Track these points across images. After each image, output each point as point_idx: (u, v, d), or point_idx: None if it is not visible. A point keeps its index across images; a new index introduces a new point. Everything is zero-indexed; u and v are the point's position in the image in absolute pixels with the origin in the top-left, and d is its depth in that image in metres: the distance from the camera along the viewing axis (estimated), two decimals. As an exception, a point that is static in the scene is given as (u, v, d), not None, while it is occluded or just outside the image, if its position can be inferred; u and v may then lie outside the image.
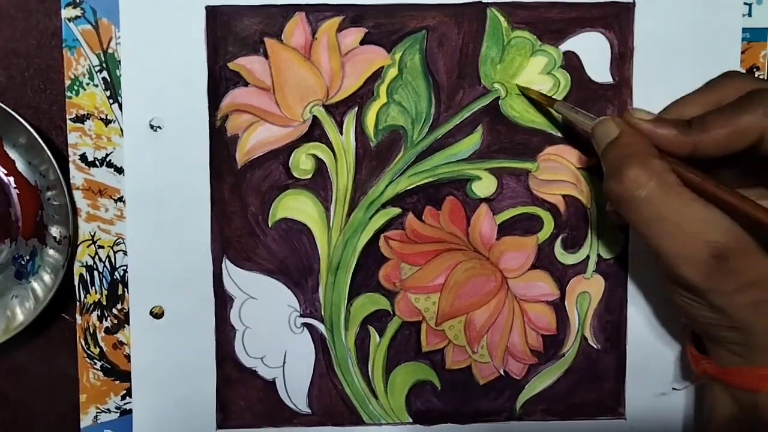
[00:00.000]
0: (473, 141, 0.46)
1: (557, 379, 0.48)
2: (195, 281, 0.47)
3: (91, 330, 0.47)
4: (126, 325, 0.47)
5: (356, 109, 0.46)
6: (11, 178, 0.46)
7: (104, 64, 0.45)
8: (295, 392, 0.48)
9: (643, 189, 0.36)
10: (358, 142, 0.46)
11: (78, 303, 0.47)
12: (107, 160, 0.46)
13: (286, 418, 0.48)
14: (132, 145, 0.45)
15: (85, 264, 0.46)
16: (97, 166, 0.46)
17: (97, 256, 0.46)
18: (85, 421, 0.48)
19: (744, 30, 0.46)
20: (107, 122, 0.46)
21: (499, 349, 0.48)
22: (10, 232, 0.47)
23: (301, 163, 0.46)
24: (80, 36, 0.45)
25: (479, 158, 0.46)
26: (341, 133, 0.46)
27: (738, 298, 0.37)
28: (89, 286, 0.47)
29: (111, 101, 0.45)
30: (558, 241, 0.47)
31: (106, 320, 0.47)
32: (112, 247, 0.46)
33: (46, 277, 0.46)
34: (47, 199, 0.46)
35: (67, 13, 0.45)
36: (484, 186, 0.47)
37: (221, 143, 0.46)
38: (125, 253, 0.46)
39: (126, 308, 0.47)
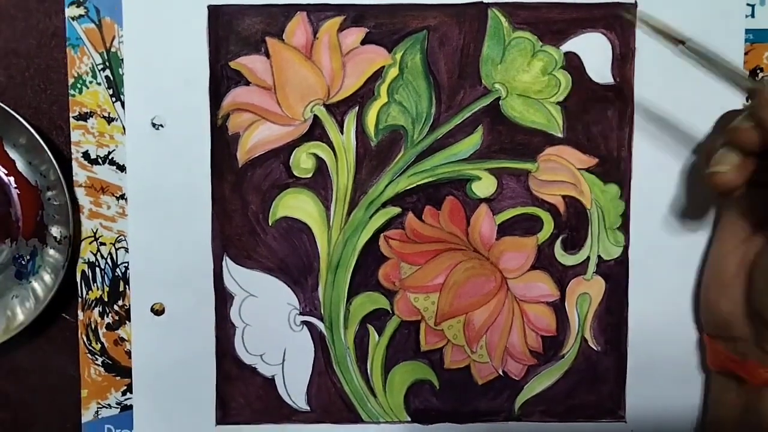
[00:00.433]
0: (473, 141, 0.46)
1: (556, 381, 0.48)
2: (195, 279, 0.47)
3: (93, 326, 0.47)
4: (127, 322, 0.47)
5: (357, 108, 0.46)
6: (11, 178, 0.47)
7: (107, 63, 0.46)
8: (294, 390, 0.48)
9: None
10: (358, 141, 0.46)
11: (80, 299, 0.47)
12: (110, 157, 0.46)
13: (285, 415, 0.48)
14: (134, 143, 0.46)
15: (87, 261, 0.47)
16: (99, 164, 0.46)
17: (99, 253, 0.47)
18: (86, 416, 0.48)
19: (747, 31, 0.46)
20: (110, 120, 0.46)
21: (498, 350, 0.48)
22: (10, 232, 0.47)
23: (302, 162, 0.46)
24: (83, 35, 0.45)
25: (479, 158, 0.46)
26: (342, 133, 0.46)
27: None
28: (91, 282, 0.47)
29: (113, 99, 0.46)
30: (558, 242, 0.47)
31: (107, 316, 0.47)
32: (113, 244, 0.47)
33: (47, 277, 0.47)
34: (47, 199, 0.47)
35: (70, 11, 0.45)
36: (484, 186, 0.47)
37: (222, 142, 0.46)
38: (127, 250, 0.47)
39: (127, 305, 0.47)
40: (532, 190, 0.47)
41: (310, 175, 0.47)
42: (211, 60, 0.46)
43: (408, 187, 0.47)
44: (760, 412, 0.42)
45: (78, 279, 0.47)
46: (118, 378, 0.48)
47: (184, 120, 0.46)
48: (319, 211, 0.47)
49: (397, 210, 0.47)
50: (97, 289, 0.47)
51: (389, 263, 0.47)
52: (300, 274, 0.47)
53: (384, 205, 0.47)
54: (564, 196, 0.47)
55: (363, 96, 0.46)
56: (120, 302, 0.47)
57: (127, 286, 0.47)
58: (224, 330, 0.47)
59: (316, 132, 0.46)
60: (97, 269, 0.47)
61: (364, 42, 0.46)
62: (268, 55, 0.46)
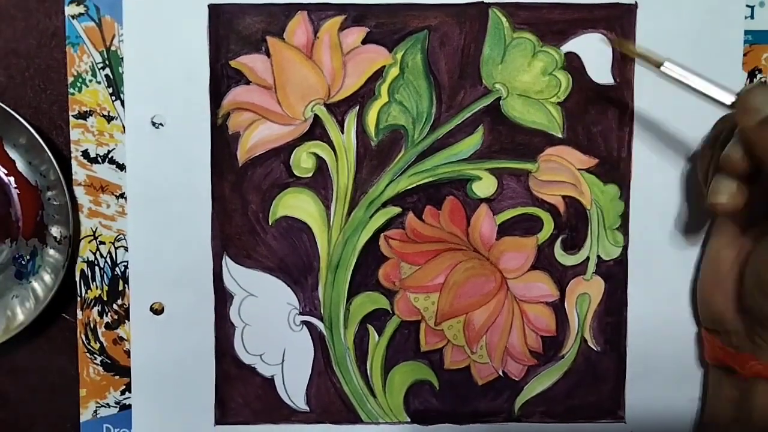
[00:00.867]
0: (474, 141, 0.46)
1: (556, 381, 0.48)
2: (195, 278, 0.47)
3: (92, 325, 0.47)
4: (126, 321, 0.47)
5: (357, 108, 0.46)
6: (11, 178, 0.47)
7: (107, 62, 0.46)
8: (294, 390, 0.48)
9: None
10: (359, 141, 0.46)
11: (79, 298, 0.47)
12: (109, 156, 0.46)
13: (284, 415, 0.48)
14: (134, 141, 0.46)
15: (86, 260, 0.47)
16: (99, 163, 0.46)
17: (98, 252, 0.47)
18: (85, 415, 0.48)
19: (746, 32, 0.46)
20: (109, 119, 0.46)
21: (498, 350, 0.48)
22: (10, 232, 0.47)
23: (302, 161, 0.46)
24: (83, 33, 0.45)
25: (480, 158, 0.46)
26: (342, 132, 0.46)
27: None
28: (90, 281, 0.47)
29: (113, 98, 0.46)
30: (558, 242, 0.47)
31: (106, 316, 0.47)
32: (113, 243, 0.47)
33: (47, 277, 0.47)
34: (47, 199, 0.47)
35: (70, 10, 0.45)
36: (485, 186, 0.47)
37: (222, 141, 0.46)
38: (126, 249, 0.47)
39: (126, 304, 0.47)
40: (533, 191, 0.47)
41: (310, 175, 0.47)
42: (211, 59, 0.46)
43: (408, 187, 0.47)
44: (751, 404, 0.42)
45: (77, 278, 0.47)
46: (116, 377, 0.48)
47: (184, 119, 0.46)
48: (319, 210, 0.47)
49: (397, 210, 0.47)
50: (97, 288, 0.47)
51: (389, 263, 0.47)
52: (300, 273, 0.47)
53: (384, 204, 0.47)
54: (564, 197, 0.47)
55: (363, 96, 0.46)
56: (119, 301, 0.47)
57: (126, 286, 0.47)
58: (224, 329, 0.47)
59: (316, 131, 0.46)
60: (97, 268, 0.47)
61: (364, 41, 0.46)
62: (268, 55, 0.46)
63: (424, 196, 0.47)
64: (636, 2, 0.45)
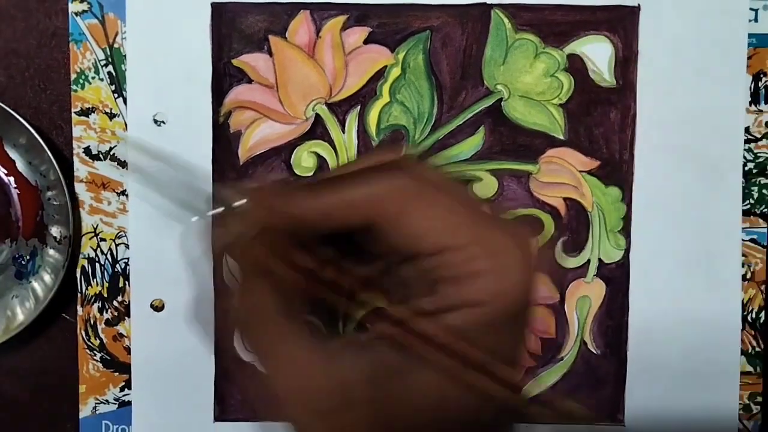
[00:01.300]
0: (475, 142, 0.46)
1: (555, 383, 0.48)
2: (195, 275, 0.47)
3: (92, 322, 0.48)
4: (126, 318, 0.47)
5: (359, 107, 0.46)
6: (11, 178, 0.47)
7: (110, 59, 0.46)
8: (292, 388, 0.48)
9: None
10: (360, 140, 0.46)
11: (79, 294, 0.47)
12: (111, 153, 0.46)
13: (283, 413, 0.48)
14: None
15: (87, 256, 0.47)
16: (100, 160, 0.46)
17: (99, 249, 0.47)
18: (84, 412, 0.48)
19: (750, 35, 0.45)
20: (112, 116, 0.46)
21: (497, 351, 0.48)
22: (10, 232, 0.47)
23: (303, 160, 0.46)
24: (86, 30, 0.45)
25: (480, 159, 0.46)
26: (343, 132, 0.46)
27: None
28: (91, 278, 0.47)
29: (116, 95, 0.46)
30: (558, 244, 0.47)
31: (106, 312, 0.47)
32: (114, 240, 0.47)
33: (47, 277, 0.47)
34: (47, 199, 0.47)
35: (74, 7, 0.45)
36: (485, 187, 0.47)
37: (224, 139, 0.46)
38: (127, 246, 0.47)
39: (127, 301, 0.47)
40: (533, 192, 0.47)
41: (311, 174, 0.47)
42: (213, 57, 0.46)
43: (409, 187, 0.47)
44: None
45: (78, 275, 0.47)
46: (116, 374, 0.48)
47: (185, 117, 0.46)
48: (320, 209, 0.47)
49: (397, 210, 0.47)
50: (97, 284, 0.47)
51: (389, 263, 0.47)
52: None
53: (384, 204, 0.47)
54: (565, 199, 0.47)
55: (365, 95, 0.46)
56: (119, 298, 0.47)
57: (126, 282, 0.47)
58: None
59: (317, 131, 0.46)
60: (97, 265, 0.47)
61: (366, 41, 0.46)
62: (270, 53, 0.46)
63: (425, 196, 0.47)
64: (639, 4, 0.45)
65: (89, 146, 0.46)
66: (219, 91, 0.46)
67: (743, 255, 0.47)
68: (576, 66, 0.46)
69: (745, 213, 0.47)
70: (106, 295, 0.47)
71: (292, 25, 0.46)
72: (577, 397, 0.48)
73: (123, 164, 0.46)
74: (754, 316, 0.47)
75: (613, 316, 0.48)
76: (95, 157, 0.46)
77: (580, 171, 0.46)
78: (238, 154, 0.46)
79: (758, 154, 0.47)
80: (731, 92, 0.46)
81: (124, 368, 0.48)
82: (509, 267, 0.28)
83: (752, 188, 0.47)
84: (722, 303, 0.47)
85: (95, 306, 0.47)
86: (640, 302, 0.47)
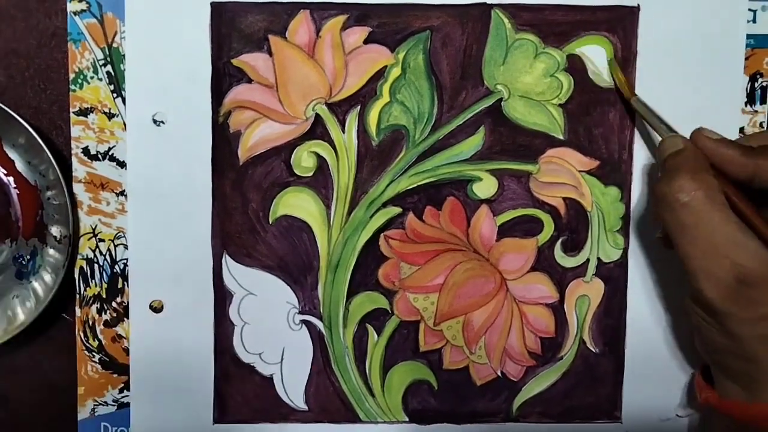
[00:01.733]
0: (475, 142, 0.46)
1: (554, 382, 0.48)
2: (195, 276, 0.47)
3: (90, 323, 0.47)
4: (125, 319, 0.47)
5: (359, 107, 0.46)
6: (11, 178, 0.47)
7: (108, 58, 0.45)
8: (293, 389, 0.48)
9: (687, 195, 0.37)
10: (359, 140, 0.46)
11: (78, 296, 0.47)
12: (110, 153, 0.46)
13: (283, 414, 0.48)
14: (135, 139, 0.46)
15: (85, 257, 0.47)
16: (99, 160, 0.46)
17: (97, 250, 0.47)
18: (83, 413, 0.48)
19: (748, 36, 0.46)
20: (110, 116, 0.46)
21: (497, 351, 0.48)
22: (10, 232, 0.47)
23: (303, 160, 0.46)
24: (85, 30, 0.45)
25: (480, 159, 0.46)
26: (343, 132, 0.46)
27: (753, 328, 0.37)
28: (89, 279, 0.47)
29: (114, 95, 0.46)
30: (558, 244, 0.47)
31: (105, 313, 0.47)
32: (113, 241, 0.47)
33: (47, 277, 0.47)
34: (47, 199, 0.46)
35: (72, 6, 0.45)
36: (485, 187, 0.47)
37: (224, 139, 0.46)
38: (126, 246, 0.46)
39: (125, 302, 0.47)
40: (533, 192, 0.47)
41: (310, 174, 0.46)
42: (213, 57, 0.45)
43: (409, 187, 0.47)
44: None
45: (76, 275, 0.47)
46: (115, 375, 0.48)
47: (185, 117, 0.46)
48: (320, 210, 0.47)
49: (397, 210, 0.47)
50: (96, 285, 0.47)
51: (389, 263, 0.47)
52: (300, 272, 0.47)
53: (384, 204, 0.47)
54: (564, 198, 0.47)
55: (365, 95, 0.46)
56: (118, 299, 0.47)
57: (125, 283, 0.47)
58: (223, 328, 0.47)
59: (317, 131, 0.46)
60: (96, 266, 0.47)
61: (366, 41, 0.46)
62: (270, 53, 0.46)
63: (425, 196, 0.47)
64: (638, 5, 0.45)
65: (88, 146, 0.46)
66: (219, 91, 0.46)
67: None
68: (576, 66, 0.46)
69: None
70: (104, 296, 0.47)
71: (292, 24, 0.45)
72: (575, 395, 0.48)
73: (122, 164, 0.46)
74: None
75: (612, 315, 0.48)
76: (94, 158, 0.46)
77: (580, 171, 0.47)
78: (237, 154, 0.46)
79: (755, 154, 0.47)
80: (728, 93, 0.46)
81: (123, 370, 0.48)
82: None
83: (749, 188, 0.47)
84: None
85: (94, 307, 0.47)
86: (638, 301, 0.48)
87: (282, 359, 0.48)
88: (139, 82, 0.45)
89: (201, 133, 0.46)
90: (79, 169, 0.46)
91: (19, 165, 0.46)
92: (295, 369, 0.48)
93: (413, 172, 0.46)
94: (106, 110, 0.46)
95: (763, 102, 0.47)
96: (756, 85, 0.47)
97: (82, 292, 0.47)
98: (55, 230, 0.46)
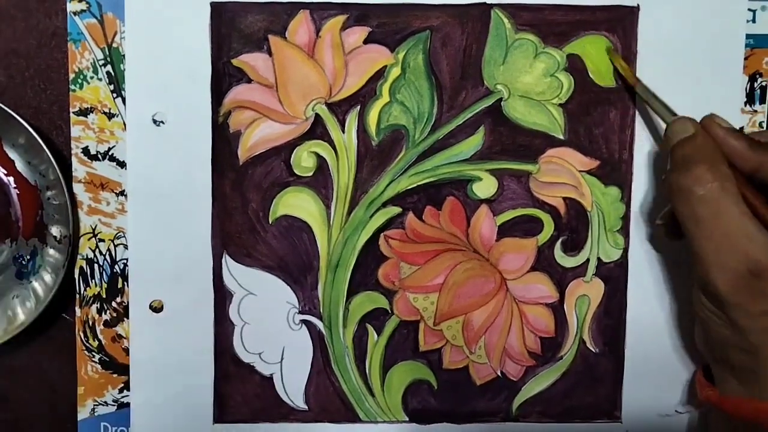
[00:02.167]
0: (475, 142, 0.46)
1: (554, 382, 0.48)
2: (195, 276, 0.47)
3: (90, 323, 0.47)
4: (125, 319, 0.47)
5: (358, 107, 0.46)
6: (11, 178, 0.47)
7: (108, 58, 0.45)
8: (293, 388, 0.48)
9: (704, 187, 0.37)
10: (359, 140, 0.46)
11: (78, 296, 0.47)
12: (110, 153, 0.46)
13: (283, 413, 0.48)
14: (135, 139, 0.46)
15: (85, 257, 0.47)
16: (99, 160, 0.46)
17: (97, 249, 0.47)
18: (83, 413, 0.48)
19: (748, 36, 0.46)
20: (110, 116, 0.46)
21: (497, 350, 0.48)
22: (10, 232, 0.47)
23: (303, 160, 0.46)
24: (85, 30, 0.45)
25: (480, 159, 0.46)
26: (343, 132, 0.46)
27: (760, 321, 0.37)
28: (89, 279, 0.47)
29: (114, 95, 0.46)
30: (558, 244, 0.47)
31: (105, 313, 0.47)
32: (112, 241, 0.47)
33: (47, 277, 0.47)
34: (47, 199, 0.46)
35: (72, 6, 0.45)
36: (485, 187, 0.47)
37: (223, 139, 0.46)
38: (126, 246, 0.47)
39: (125, 302, 0.47)
40: (533, 192, 0.47)
41: (310, 174, 0.46)
42: (213, 57, 0.45)
43: (409, 187, 0.47)
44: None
45: (76, 275, 0.47)
46: (115, 375, 0.48)
47: (185, 117, 0.46)
48: (320, 209, 0.47)
49: (397, 210, 0.47)
50: (96, 285, 0.47)
51: (389, 263, 0.47)
52: (299, 272, 0.47)
53: (384, 204, 0.47)
54: (564, 198, 0.47)
55: (365, 95, 0.46)
56: (118, 299, 0.47)
57: (125, 283, 0.47)
58: (223, 328, 0.47)
59: (317, 131, 0.46)
60: (96, 266, 0.47)
61: (366, 41, 0.46)
62: (270, 53, 0.46)
63: (425, 196, 0.47)
64: (638, 5, 0.45)
65: (87, 146, 0.46)
66: (218, 91, 0.46)
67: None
68: (576, 66, 0.46)
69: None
70: (104, 296, 0.47)
71: (292, 24, 0.45)
72: (575, 395, 0.48)
73: (122, 164, 0.46)
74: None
75: (612, 315, 0.48)
76: (94, 158, 0.46)
77: (580, 171, 0.47)
78: (237, 154, 0.46)
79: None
80: (727, 92, 0.46)
81: (123, 369, 0.48)
82: None
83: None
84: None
85: (94, 307, 0.47)
86: (638, 301, 0.48)
87: (282, 359, 0.48)
88: (139, 82, 0.45)
89: (201, 133, 0.46)
90: (79, 169, 0.46)
91: (19, 165, 0.46)
92: (295, 369, 0.48)
93: (413, 171, 0.46)
94: (106, 110, 0.46)
95: (762, 102, 0.47)
96: (755, 84, 0.47)
97: (82, 292, 0.47)
98: (55, 230, 0.46)
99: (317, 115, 0.46)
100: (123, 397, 0.48)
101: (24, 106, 0.46)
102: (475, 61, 0.46)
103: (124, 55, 0.45)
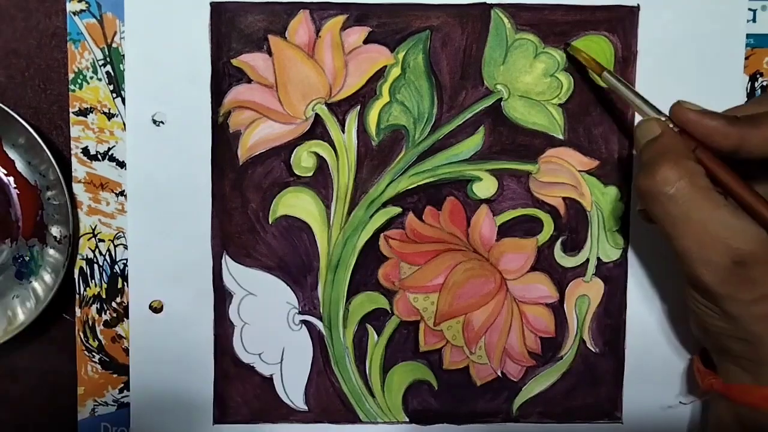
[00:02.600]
0: (475, 142, 0.46)
1: (554, 382, 0.48)
2: (195, 276, 0.47)
3: (90, 323, 0.47)
4: (125, 319, 0.47)
5: (358, 107, 0.46)
6: (11, 178, 0.47)
7: (108, 58, 0.45)
8: (293, 389, 0.48)
9: (672, 186, 0.37)
10: (359, 140, 0.46)
11: (77, 296, 0.47)
12: (109, 154, 0.46)
13: (283, 414, 0.48)
14: (134, 139, 0.46)
15: (85, 257, 0.47)
16: (99, 160, 0.46)
17: (97, 250, 0.47)
18: (83, 413, 0.48)
19: (748, 36, 0.46)
20: (110, 116, 0.46)
21: (497, 351, 0.48)
22: (10, 232, 0.47)
23: (303, 160, 0.46)
24: (84, 30, 0.45)
25: (480, 159, 0.46)
26: (343, 132, 0.46)
27: (753, 308, 0.37)
28: (89, 279, 0.47)
29: (114, 95, 0.46)
30: (558, 244, 0.47)
31: (105, 313, 0.47)
32: (112, 241, 0.47)
33: (47, 277, 0.47)
34: (47, 199, 0.46)
35: (72, 6, 0.45)
36: (485, 187, 0.47)
37: (223, 139, 0.46)
38: (125, 247, 0.46)
39: (125, 302, 0.47)
40: (533, 192, 0.47)
41: (310, 174, 0.46)
42: (212, 57, 0.45)
43: (409, 187, 0.47)
44: (710, 418, 0.43)
45: (76, 275, 0.47)
46: (115, 375, 0.48)
47: (185, 117, 0.46)
48: (320, 210, 0.47)
49: (397, 210, 0.47)
50: (95, 285, 0.47)
51: (389, 263, 0.47)
52: (299, 273, 0.47)
53: (384, 204, 0.47)
54: (564, 198, 0.47)
55: (365, 95, 0.46)
56: (118, 299, 0.47)
57: (125, 283, 0.47)
58: (223, 328, 0.47)
59: (317, 131, 0.46)
60: (96, 266, 0.47)
61: (366, 41, 0.46)
62: (270, 53, 0.46)
63: (425, 196, 0.47)
64: (638, 4, 0.45)
65: (87, 146, 0.46)
66: (218, 91, 0.46)
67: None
68: (576, 66, 0.46)
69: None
70: (104, 297, 0.47)
71: (292, 24, 0.45)
72: (575, 396, 0.48)
73: (122, 164, 0.46)
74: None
75: (612, 315, 0.48)
76: (93, 158, 0.46)
77: (580, 171, 0.47)
78: (237, 154, 0.46)
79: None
80: (728, 92, 0.46)
81: (123, 370, 0.48)
82: None
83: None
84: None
85: (94, 307, 0.47)
86: (638, 301, 0.48)
87: (282, 359, 0.48)
88: (139, 82, 0.45)
89: (201, 133, 0.46)
90: (78, 169, 0.46)
91: (19, 165, 0.46)
92: (295, 369, 0.48)
93: (413, 172, 0.46)
94: (106, 110, 0.46)
95: (763, 101, 0.47)
96: (756, 84, 0.47)
97: (82, 293, 0.47)
98: (55, 230, 0.46)
99: (317, 115, 0.46)
100: (123, 397, 0.48)
101: (24, 106, 0.46)
102: (475, 61, 0.46)
103: (123, 55, 0.45)
